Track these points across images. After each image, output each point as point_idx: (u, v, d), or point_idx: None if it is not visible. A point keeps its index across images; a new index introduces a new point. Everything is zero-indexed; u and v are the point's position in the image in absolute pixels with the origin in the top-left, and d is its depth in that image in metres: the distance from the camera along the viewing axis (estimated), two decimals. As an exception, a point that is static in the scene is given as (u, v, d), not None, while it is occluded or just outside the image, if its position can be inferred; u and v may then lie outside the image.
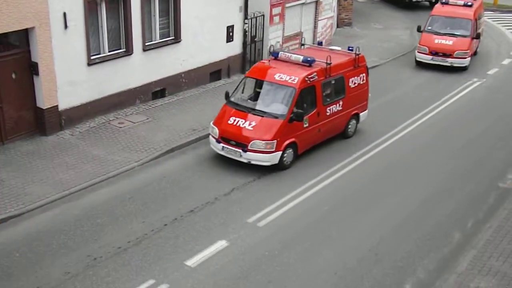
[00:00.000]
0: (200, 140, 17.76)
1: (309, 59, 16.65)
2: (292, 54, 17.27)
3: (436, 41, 25.90)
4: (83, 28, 17.31)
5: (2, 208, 13.47)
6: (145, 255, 12.22)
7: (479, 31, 27.75)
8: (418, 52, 26.34)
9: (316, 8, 27.40)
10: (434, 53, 25.79)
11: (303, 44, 20.70)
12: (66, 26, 16.80)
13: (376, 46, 29.17)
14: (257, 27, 24.39)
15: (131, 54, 19.04)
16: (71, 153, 16.24)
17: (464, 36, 25.91)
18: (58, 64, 16.84)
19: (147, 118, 18.75)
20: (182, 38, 20.70)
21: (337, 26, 32.40)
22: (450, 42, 25.74)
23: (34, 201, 13.85)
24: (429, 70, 25.93)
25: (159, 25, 20.07)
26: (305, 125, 16.26)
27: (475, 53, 27.98)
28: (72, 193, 14.40)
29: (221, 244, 12.73)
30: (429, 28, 26.71)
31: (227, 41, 22.87)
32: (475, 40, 26.63)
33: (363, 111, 18.81)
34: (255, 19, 24.10)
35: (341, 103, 17.51)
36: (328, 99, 17.09)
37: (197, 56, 21.59)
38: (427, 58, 26.06)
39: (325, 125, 17.10)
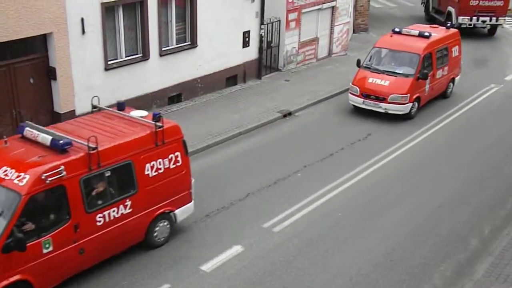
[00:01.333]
0: (216, 145, 17.80)
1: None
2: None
3: (370, 80, 20.54)
4: (101, 34, 17.45)
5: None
6: (160, 260, 12.24)
7: (444, 69, 22.17)
8: (350, 93, 21.05)
9: (332, 14, 27.40)
10: (365, 95, 20.46)
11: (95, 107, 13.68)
12: (83, 32, 16.94)
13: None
14: (273, 33, 24.44)
15: (147, 59, 19.15)
16: (87, 157, 16.31)
17: (406, 76, 20.30)
18: (76, 69, 16.98)
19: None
20: (198, 43, 20.79)
21: (353, 32, 32.36)
22: (386, 83, 20.27)
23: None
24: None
25: (176, 30, 20.17)
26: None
27: (444, 96, 23.05)
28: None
29: (236, 249, 12.74)
30: (368, 63, 21.39)
31: (243, 47, 22.92)
32: (424, 81, 20.63)
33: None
34: (271, 24, 24.15)
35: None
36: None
37: (213, 61, 21.65)
38: (358, 101, 20.66)
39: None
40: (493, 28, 33.71)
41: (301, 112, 20.99)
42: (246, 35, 22.90)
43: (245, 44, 22.98)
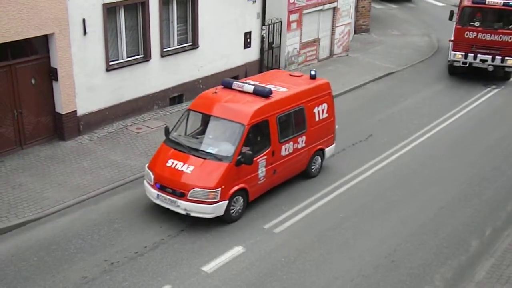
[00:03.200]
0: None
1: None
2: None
3: (169, 163, 13.66)
4: (102, 34, 17.46)
5: (21, 212, 13.60)
6: (161, 260, 12.26)
7: (298, 141, 15.17)
8: (146, 181, 14.07)
9: (333, 15, 27.38)
10: (160, 186, 13.58)
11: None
12: (85, 32, 16.95)
13: (393, 53, 29.07)
14: (275, 34, 24.43)
15: (149, 60, 19.16)
16: (89, 158, 16.36)
17: (219, 159, 13.44)
18: (77, 69, 17.00)
19: (165, 124, 18.81)
20: (199, 44, 20.79)
21: (355, 33, 32.34)
22: (189, 169, 13.37)
23: (52, 205, 13.97)
24: (447, 77, 25.77)
25: (177, 31, 20.17)
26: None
27: (307, 175, 15.98)
28: (89, 197, 14.51)
29: (237, 250, 12.75)
30: (175, 135, 14.47)
31: (244, 47, 22.92)
32: (248, 165, 13.59)
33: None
34: (272, 25, 24.14)
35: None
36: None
37: (214, 62, 21.65)
38: (152, 194, 13.73)
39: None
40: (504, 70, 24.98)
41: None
42: (248, 36, 22.89)
43: (247, 45, 22.97)
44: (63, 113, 16.96)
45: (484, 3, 23.89)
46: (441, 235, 13.71)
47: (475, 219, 14.48)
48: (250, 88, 14.57)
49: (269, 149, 14.30)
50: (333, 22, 27.52)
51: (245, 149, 13.57)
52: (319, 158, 16.25)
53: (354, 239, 13.40)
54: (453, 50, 24.86)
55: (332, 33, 27.64)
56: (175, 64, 20.15)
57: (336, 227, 13.85)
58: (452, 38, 25.02)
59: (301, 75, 16.42)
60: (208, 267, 12.11)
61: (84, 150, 16.83)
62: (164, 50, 19.68)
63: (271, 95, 14.52)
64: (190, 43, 20.71)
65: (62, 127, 17.08)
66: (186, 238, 13.11)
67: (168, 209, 13.60)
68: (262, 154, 14.09)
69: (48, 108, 16.90)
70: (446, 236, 13.66)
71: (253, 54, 23.42)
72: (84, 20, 16.82)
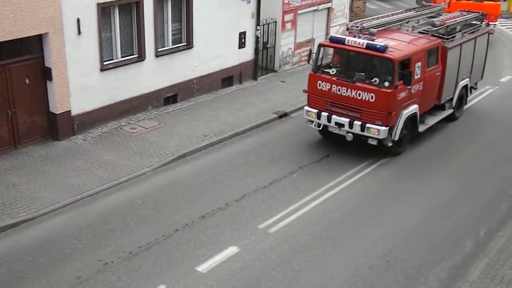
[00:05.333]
0: (211, 146, 17.80)
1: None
2: None
3: None
4: (96, 34, 17.42)
5: (15, 212, 13.55)
6: (156, 261, 12.24)
7: None
8: None
9: (328, 15, 27.44)
10: None
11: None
12: (79, 32, 16.91)
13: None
14: (269, 34, 24.46)
15: (143, 60, 19.13)
16: (83, 158, 16.33)
17: None
18: (71, 69, 16.96)
19: (159, 124, 18.81)
20: (194, 44, 20.78)
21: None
22: None
23: (46, 205, 13.92)
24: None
25: (172, 31, 20.16)
26: None
27: None
28: (84, 198, 14.47)
29: (232, 250, 12.73)
30: None
31: (239, 48, 22.92)
32: None
33: None
34: (267, 25, 24.17)
35: None
36: None
37: (209, 62, 21.64)
38: None
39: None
40: None
41: (297, 113, 20.95)
42: (242, 36, 22.90)
43: (241, 45, 22.98)
44: (57, 113, 16.92)
45: (344, 43, 16.93)
46: (435, 235, 13.72)
47: (469, 220, 14.50)
48: None
49: None
50: (327, 22, 27.59)
51: None
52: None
53: (349, 239, 13.40)
54: (307, 105, 17.96)
55: (327, 33, 27.66)
56: (169, 64, 20.13)
57: (331, 228, 13.85)
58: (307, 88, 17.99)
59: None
60: (203, 267, 12.08)
61: (78, 150, 16.79)
62: (159, 50, 19.66)
63: None
64: (185, 43, 20.70)
65: (56, 127, 17.03)
66: (181, 238, 13.08)
67: (161, 209, 13.58)
68: None
69: (42, 108, 16.85)
70: (441, 237, 13.67)
71: (247, 54, 23.43)
72: (78, 20, 16.78)
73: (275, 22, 24.39)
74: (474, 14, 21.59)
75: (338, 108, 17.07)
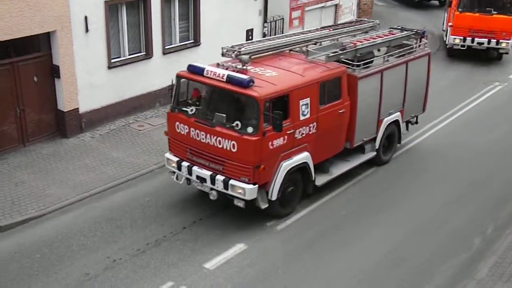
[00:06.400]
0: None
1: None
2: None
3: None
4: (104, 32, 17.47)
5: (23, 209, 13.63)
6: (164, 258, 12.29)
7: None
8: None
9: (335, 12, 27.41)
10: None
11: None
12: (87, 30, 16.97)
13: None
14: (277, 31, 24.42)
15: (151, 57, 19.17)
16: (91, 155, 16.39)
17: None
18: (79, 67, 17.02)
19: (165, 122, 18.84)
20: (201, 41, 20.80)
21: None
22: None
23: (55, 202, 14.00)
24: (450, 73, 25.74)
25: (179, 28, 20.18)
26: None
27: None
28: (92, 195, 14.54)
29: (239, 247, 12.77)
30: None
31: (246, 45, 22.89)
32: None
33: None
34: (274, 22, 24.14)
35: None
36: None
37: (216, 59, 21.56)
38: None
39: None
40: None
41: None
42: (249, 33, 22.89)
43: (248, 42, 22.96)
44: (65, 110, 16.98)
45: (202, 74, 14.61)
46: (442, 233, 13.70)
47: (477, 217, 14.46)
48: None
49: None
50: (335, 19, 27.54)
51: None
52: None
53: (355, 237, 13.40)
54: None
55: (334, 30, 27.59)
56: (177, 61, 20.11)
57: (338, 225, 13.86)
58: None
59: None
60: (210, 264, 12.13)
61: (86, 147, 16.86)
62: (166, 47, 19.69)
63: None
64: (192, 41, 20.73)
65: (64, 124, 17.10)
66: (188, 235, 13.13)
67: (169, 206, 13.64)
68: None
69: (50, 106, 16.92)
70: (448, 234, 13.65)
71: (255, 51, 23.36)
72: (86, 18, 16.84)
73: (283, 19, 24.37)
74: (407, 32, 17.42)
75: (199, 157, 13.32)
